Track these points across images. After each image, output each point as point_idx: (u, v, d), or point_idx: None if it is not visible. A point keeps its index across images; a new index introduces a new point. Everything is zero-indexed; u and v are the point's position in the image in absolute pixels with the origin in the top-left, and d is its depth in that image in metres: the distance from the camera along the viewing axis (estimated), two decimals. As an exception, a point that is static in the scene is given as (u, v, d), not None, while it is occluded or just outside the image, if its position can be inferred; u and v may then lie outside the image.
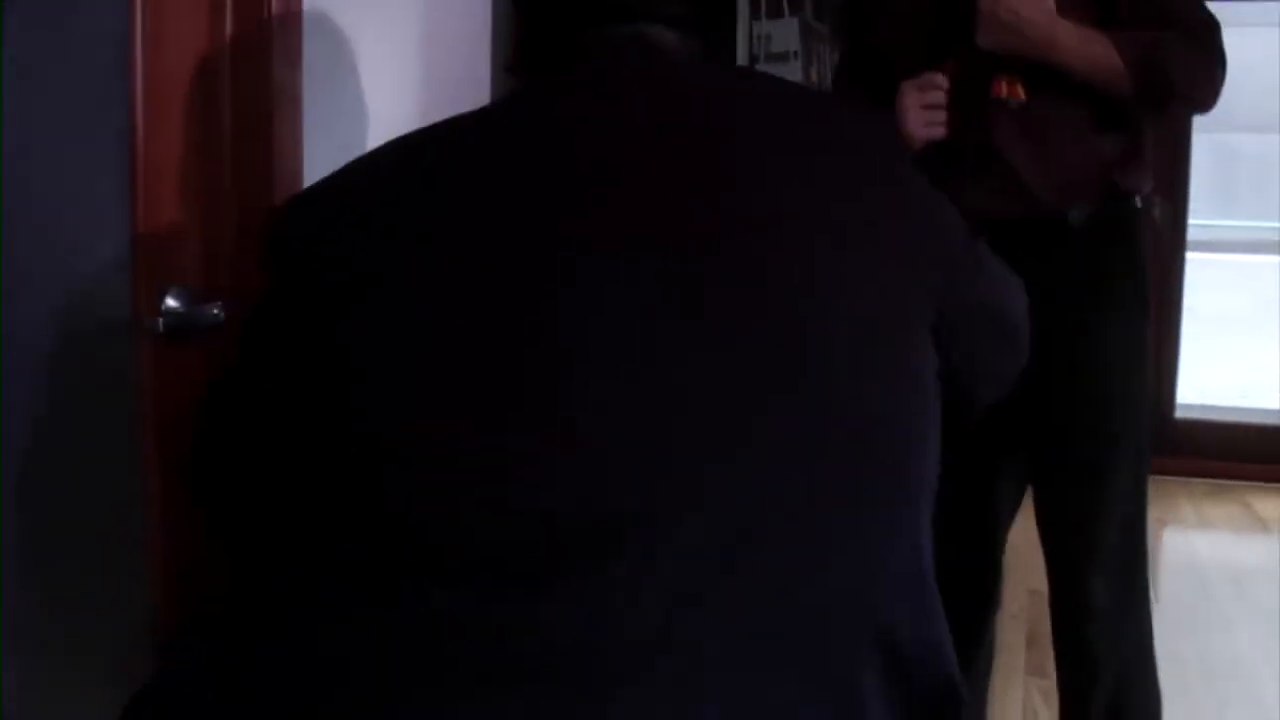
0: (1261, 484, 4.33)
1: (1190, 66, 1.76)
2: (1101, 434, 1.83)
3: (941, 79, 1.75)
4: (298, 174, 1.45)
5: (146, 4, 1.31)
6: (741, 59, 3.45)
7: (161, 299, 1.30)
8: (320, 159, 1.45)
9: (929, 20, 1.83)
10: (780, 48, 3.51)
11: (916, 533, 0.89)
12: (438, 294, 0.85)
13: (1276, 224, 6.35)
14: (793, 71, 3.48)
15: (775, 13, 3.49)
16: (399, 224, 0.89)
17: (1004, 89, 1.75)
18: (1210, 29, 1.79)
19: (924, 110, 1.75)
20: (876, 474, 0.86)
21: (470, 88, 2.06)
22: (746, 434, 0.82)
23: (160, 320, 1.29)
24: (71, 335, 1.33)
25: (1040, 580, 1.98)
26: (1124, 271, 1.84)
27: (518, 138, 0.94)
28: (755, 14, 3.52)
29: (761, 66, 3.49)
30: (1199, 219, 4.58)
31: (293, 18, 1.44)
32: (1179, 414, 4.43)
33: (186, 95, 1.37)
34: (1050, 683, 2.08)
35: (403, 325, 0.85)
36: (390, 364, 0.84)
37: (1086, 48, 1.74)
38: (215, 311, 1.33)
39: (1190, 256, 4.46)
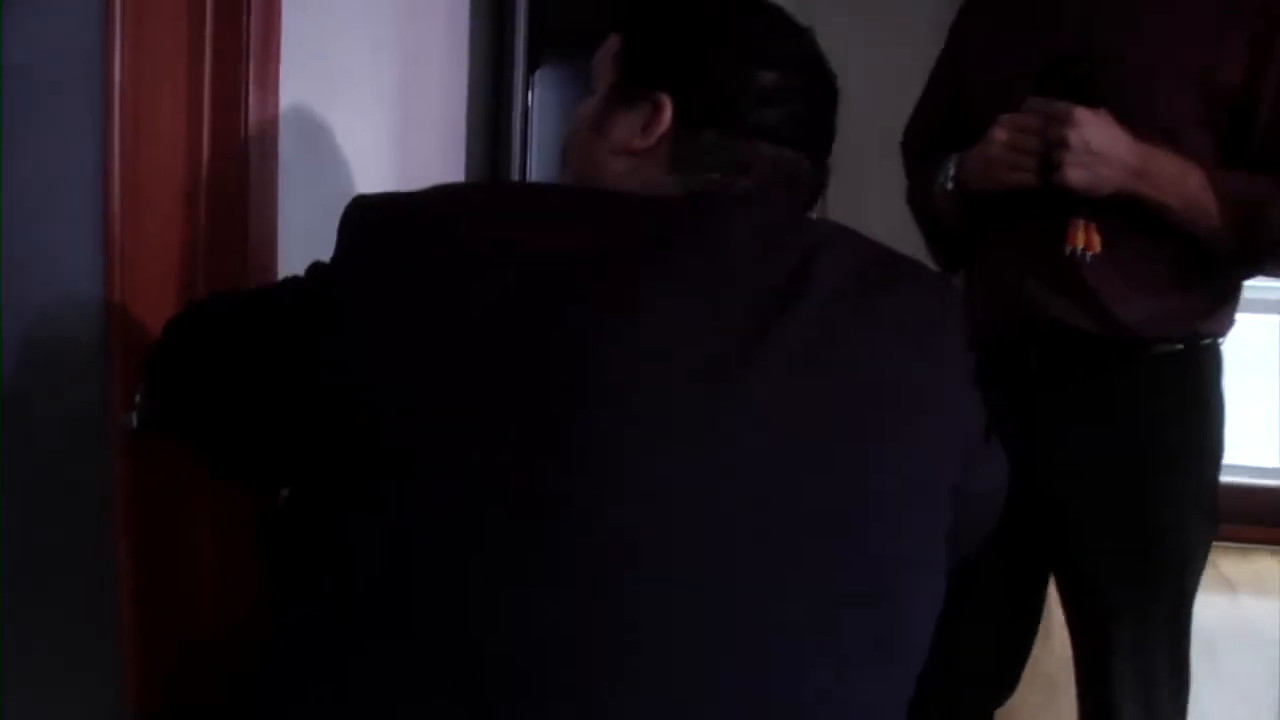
0: (1229, 544, 4.36)
1: None
2: (1149, 575, 1.74)
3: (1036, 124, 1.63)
4: (272, 268, 1.47)
5: (125, 102, 1.32)
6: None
7: (136, 392, 1.30)
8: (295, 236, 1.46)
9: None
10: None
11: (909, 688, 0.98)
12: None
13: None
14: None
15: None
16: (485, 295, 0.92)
17: (1080, 238, 1.61)
18: None
19: (1009, 154, 1.65)
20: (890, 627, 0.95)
21: (447, 107, 2.08)
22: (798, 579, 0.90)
23: (134, 415, 1.29)
24: (42, 427, 1.31)
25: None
26: (1200, 412, 1.74)
27: (646, 244, 0.97)
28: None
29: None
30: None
31: (270, 123, 1.46)
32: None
33: (163, 185, 1.38)
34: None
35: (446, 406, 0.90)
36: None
37: (1183, 182, 1.61)
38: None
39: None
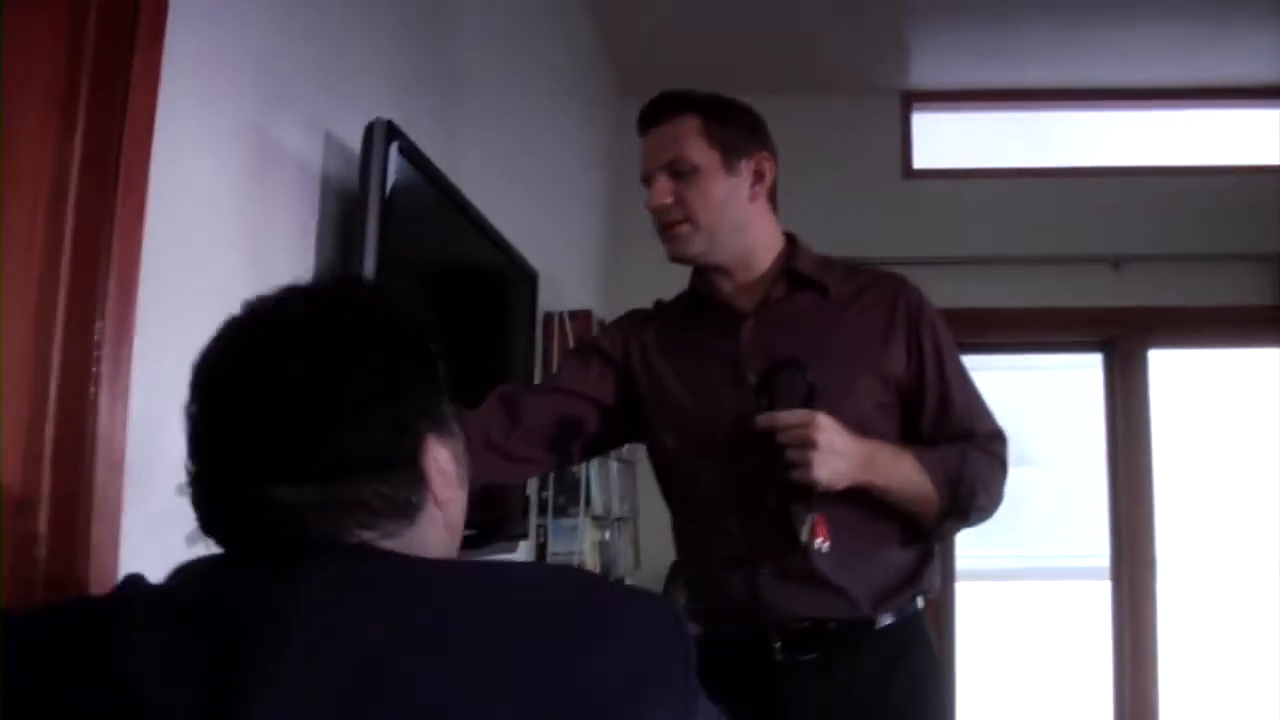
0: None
1: (990, 482, 1.85)
2: None
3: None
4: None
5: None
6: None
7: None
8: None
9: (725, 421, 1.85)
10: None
11: None
12: None
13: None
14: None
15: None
16: None
17: (819, 531, 1.73)
18: (1003, 441, 1.91)
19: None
20: None
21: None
22: None
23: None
24: None
25: None
26: (929, 667, 1.88)
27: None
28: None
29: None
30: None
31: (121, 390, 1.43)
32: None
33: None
34: None
35: None
36: None
37: (898, 467, 1.79)
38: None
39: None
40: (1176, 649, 4.92)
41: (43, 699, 0.81)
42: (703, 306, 1.96)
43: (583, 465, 3.61)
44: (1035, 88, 5.28)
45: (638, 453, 4.42)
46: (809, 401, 1.73)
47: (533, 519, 3.43)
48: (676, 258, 1.91)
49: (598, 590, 0.94)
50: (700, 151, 1.84)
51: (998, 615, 5.57)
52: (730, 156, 1.86)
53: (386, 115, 2.04)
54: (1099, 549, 5.09)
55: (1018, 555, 5.82)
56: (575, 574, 0.98)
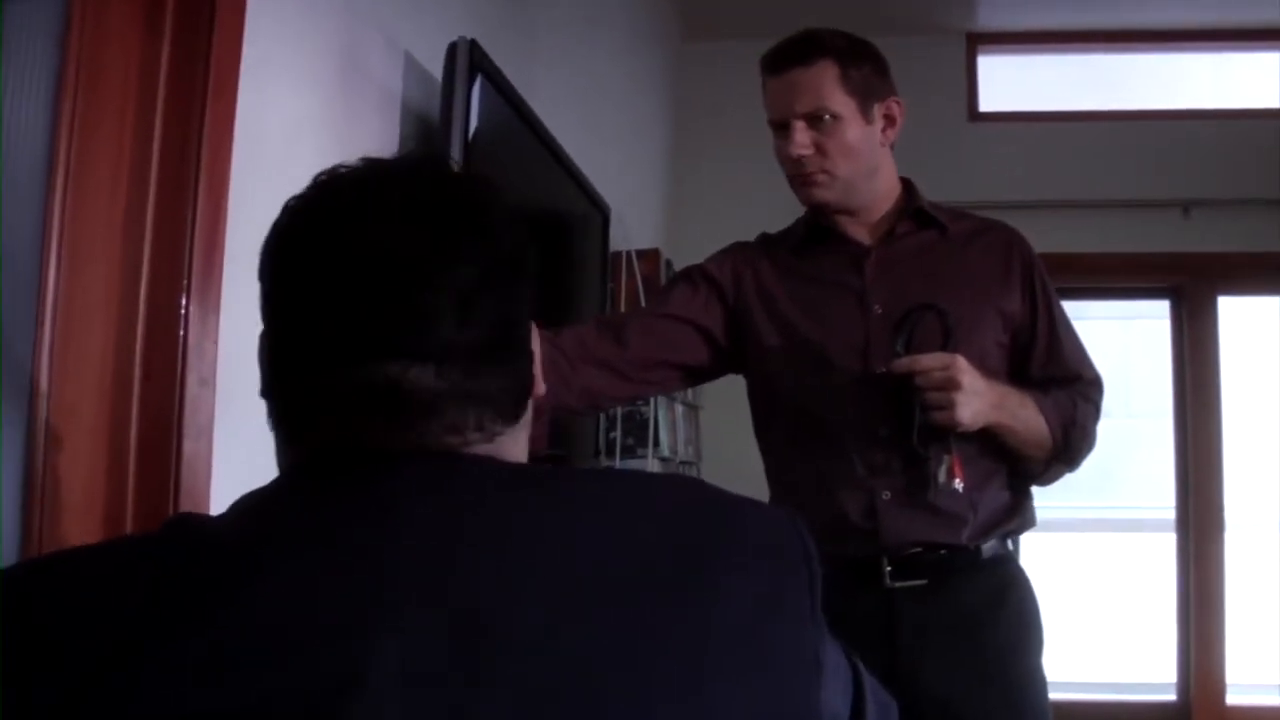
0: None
1: (1092, 430, 1.90)
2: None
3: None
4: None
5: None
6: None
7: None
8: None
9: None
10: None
11: None
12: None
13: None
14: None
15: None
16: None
17: (950, 473, 1.75)
18: (1101, 390, 1.94)
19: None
20: None
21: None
22: None
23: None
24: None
25: None
26: (1033, 607, 1.91)
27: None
28: (617, 315, 3.58)
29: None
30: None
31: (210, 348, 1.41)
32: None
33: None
34: None
35: None
36: None
37: (1024, 410, 1.81)
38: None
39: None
40: (1242, 602, 4.85)
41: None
42: (822, 239, 1.95)
43: (651, 405, 3.58)
44: (1102, 29, 5.15)
45: (703, 397, 4.39)
46: (945, 345, 1.75)
47: (602, 459, 3.41)
48: (810, 204, 1.91)
49: (719, 500, 0.84)
50: (839, 100, 1.82)
51: (1061, 567, 5.50)
52: (866, 103, 1.85)
53: (468, 36, 2.00)
54: (1163, 500, 5.01)
55: (1081, 506, 5.75)
56: (691, 482, 0.88)
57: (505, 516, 0.76)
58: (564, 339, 1.79)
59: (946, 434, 1.74)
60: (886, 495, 1.81)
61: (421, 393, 0.77)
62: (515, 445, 0.85)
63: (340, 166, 0.84)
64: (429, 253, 0.77)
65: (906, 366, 1.74)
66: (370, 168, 0.84)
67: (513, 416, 0.83)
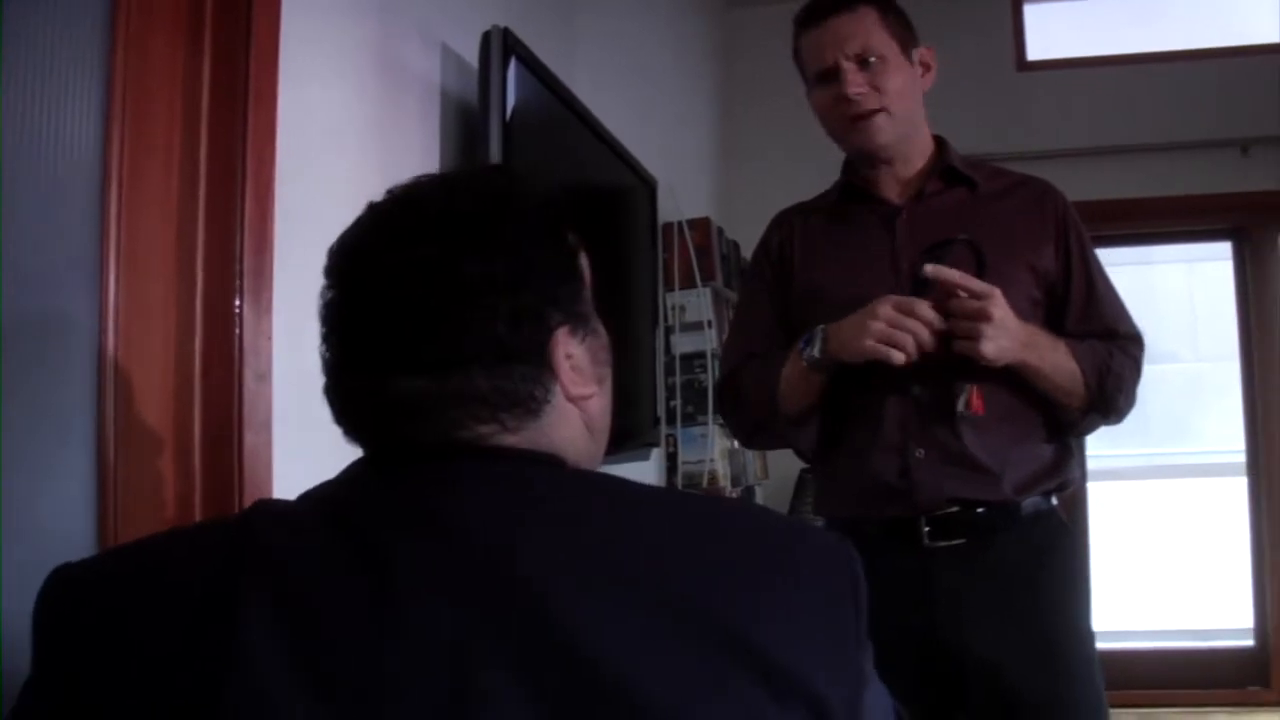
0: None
1: (1130, 384, 1.87)
2: (1064, 700, 1.82)
3: (932, 315, 1.71)
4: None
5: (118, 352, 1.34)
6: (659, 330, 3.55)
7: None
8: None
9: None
10: (694, 317, 3.64)
11: None
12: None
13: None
14: (707, 340, 3.61)
15: (688, 283, 3.63)
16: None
17: (969, 403, 1.77)
18: (1141, 345, 1.92)
19: (889, 329, 1.71)
20: None
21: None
22: None
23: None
24: None
25: None
26: (1071, 554, 1.90)
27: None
28: (669, 286, 3.65)
29: (677, 336, 3.61)
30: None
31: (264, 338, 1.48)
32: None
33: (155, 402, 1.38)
34: None
35: None
36: None
37: (1054, 352, 1.80)
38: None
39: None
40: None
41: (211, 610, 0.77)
42: (854, 200, 1.97)
43: (709, 374, 3.63)
44: (1150, -31, 5.07)
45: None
46: (979, 275, 1.75)
47: (662, 428, 3.46)
48: (864, 149, 1.91)
49: (774, 526, 0.89)
50: (884, 42, 1.85)
51: (1136, 514, 5.44)
52: (906, 47, 1.88)
53: (501, 24, 2.04)
54: (1232, 444, 4.96)
55: (1154, 453, 5.68)
56: (743, 504, 0.92)
57: (573, 519, 0.83)
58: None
59: (971, 365, 1.73)
60: (920, 454, 1.82)
61: (404, 402, 0.87)
62: (558, 433, 0.92)
63: (400, 186, 0.94)
64: (428, 271, 0.87)
65: (933, 274, 1.72)
66: (413, 186, 0.95)
67: (524, 410, 0.89)
